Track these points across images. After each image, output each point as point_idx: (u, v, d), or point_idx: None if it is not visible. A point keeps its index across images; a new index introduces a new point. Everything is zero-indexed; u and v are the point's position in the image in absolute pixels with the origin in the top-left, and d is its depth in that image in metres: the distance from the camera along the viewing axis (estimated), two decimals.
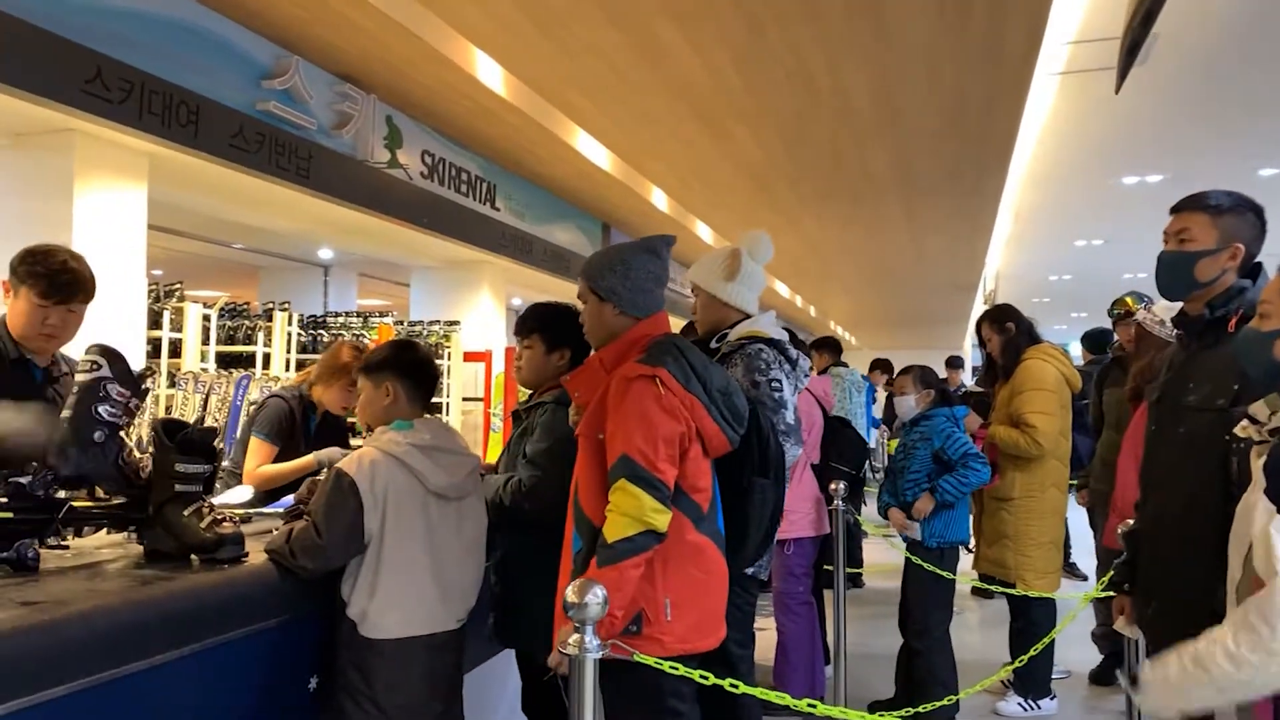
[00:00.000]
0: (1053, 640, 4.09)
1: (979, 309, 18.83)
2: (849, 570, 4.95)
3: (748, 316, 3.25)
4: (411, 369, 2.58)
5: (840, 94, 7.07)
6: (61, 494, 2.31)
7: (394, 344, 2.70)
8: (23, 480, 2.23)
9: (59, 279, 2.65)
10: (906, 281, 17.95)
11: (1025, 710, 4.43)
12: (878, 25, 5.84)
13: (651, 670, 2.13)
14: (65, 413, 2.33)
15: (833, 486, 4.22)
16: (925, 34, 5.97)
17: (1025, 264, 16.81)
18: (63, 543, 2.36)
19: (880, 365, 11.05)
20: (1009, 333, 4.54)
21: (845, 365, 8.33)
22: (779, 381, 3.01)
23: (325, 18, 5.72)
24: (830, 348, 7.81)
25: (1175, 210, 2.36)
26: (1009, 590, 4.30)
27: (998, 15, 5.64)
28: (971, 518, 4.60)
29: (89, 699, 1.82)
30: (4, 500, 2.18)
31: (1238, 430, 1.85)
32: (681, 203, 11.16)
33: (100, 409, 2.31)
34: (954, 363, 11.50)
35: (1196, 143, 8.81)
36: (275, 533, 2.44)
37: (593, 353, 2.47)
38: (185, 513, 2.34)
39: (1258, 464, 1.77)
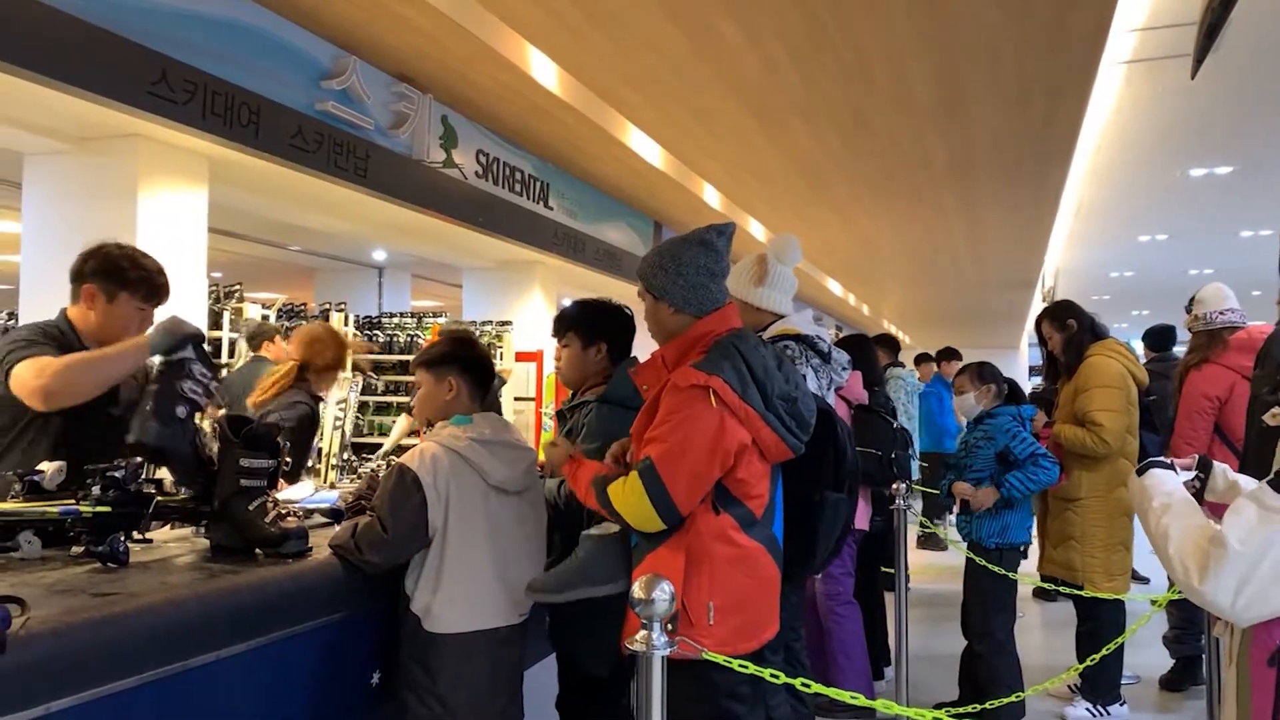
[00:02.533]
0: (1122, 644, 3.97)
1: (1037, 307, 18.47)
2: (888, 570, 4.85)
3: (781, 317, 3.27)
4: (473, 364, 2.57)
5: (899, 86, 6.96)
6: (150, 489, 2.34)
7: (454, 339, 2.68)
8: (117, 474, 2.26)
9: (157, 281, 2.74)
10: (963, 278, 17.66)
11: (1094, 716, 4.31)
12: (938, 13, 5.72)
13: (706, 667, 2.09)
14: (151, 386, 2.36)
15: (895, 486, 4.15)
16: (988, 22, 5.84)
17: (1086, 260, 16.44)
18: (146, 537, 2.40)
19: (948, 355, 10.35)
20: (1070, 330, 4.42)
21: (902, 365, 8.17)
22: (804, 376, 2.99)
23: (382, 17, 5.76)
24: (886, 346, 7.61)
25: None
26: (1077, 592, 4.19)
27: (1064, 1, 5.50)
28: (1035, 519, 4.49)
29: (158, 690, 1.84)
30: (101, 494, 2.21)
31: (1266, 418, 1.77)
32: (734, 199, 11.08)
33: (184, 385, 2.33)
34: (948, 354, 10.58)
35: (1269, 132, 8.53)
36: (339, 528, 2.44)
37: (656, 348, 2.42)
38: (250, 507, 2.35)
39: None
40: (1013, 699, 3.30)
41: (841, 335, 6.63)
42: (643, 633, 1.86)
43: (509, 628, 2.44)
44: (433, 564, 2.35)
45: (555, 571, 2.41)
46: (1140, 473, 1.77)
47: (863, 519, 4.24)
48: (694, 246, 2.36)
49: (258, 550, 2.37)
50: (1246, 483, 1.82)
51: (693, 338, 2.30)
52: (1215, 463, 1.81)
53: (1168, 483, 1.74)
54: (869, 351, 4.76)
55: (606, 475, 2.23)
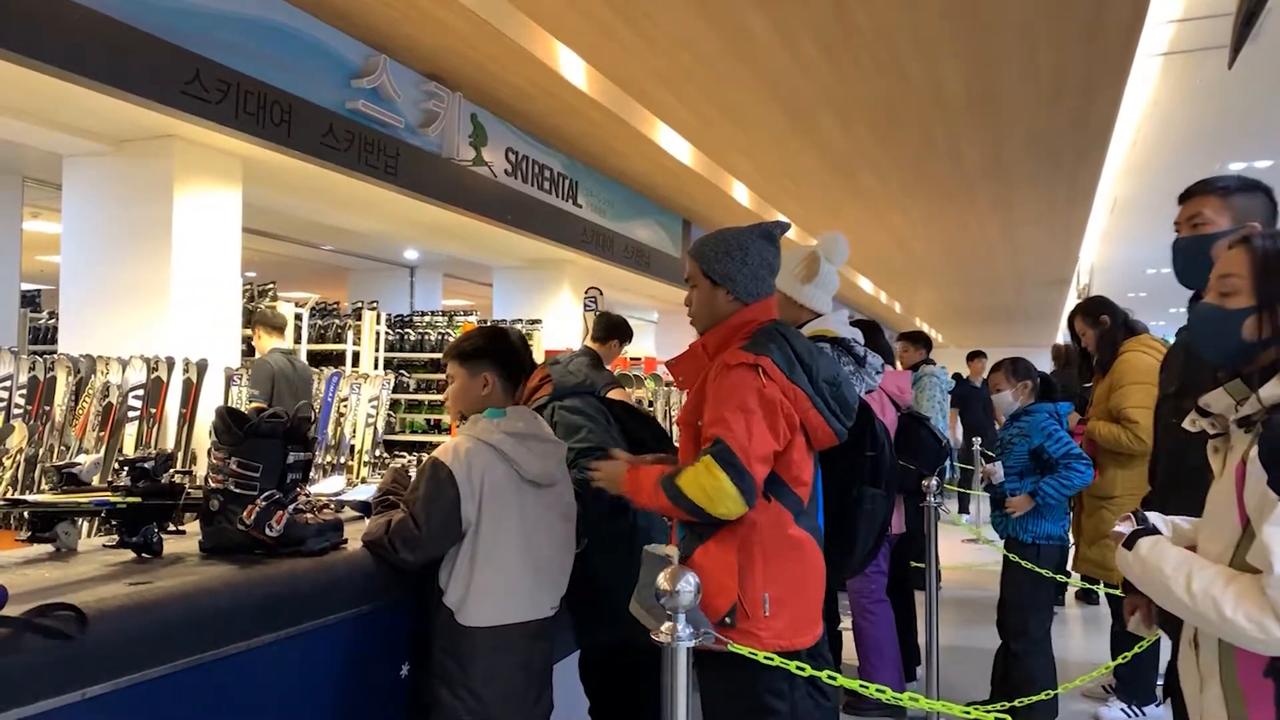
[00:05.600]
0: (1158, 642, 3.91)
1: (1072, 304, 18.23)
2: (919, 566, 4.81)
3: (818, 316, 3.27)
4: (508, 358, 2.55)
5: (931, 80, 6.90)
6: (181, 479, 2.36)
7: (489, 332, 2.64)
8: (147, 465, 2.29)
9: None
10: (996, 276, 17.49)
11: (1129, 716, 4.25)
12: (971, 6, 5.67)
13: (747, 665, 2.08)
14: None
15: (925, 483, 4.11)
16: (1021, 14, 5.78)
17: (1121, 257, 16.21)
18: (180, 528, 2.42)
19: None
20: (1103, 325, 4.36)
21: (933, 363, 8.08)
22: None
23: (413, 16, 5.81)
24: (920, 343, 7.54)
25: (1183, 198, 2.32)
26: (1113, 591, 4.13)
27: None
28: (1070, 517, 4.44)
29: (191, 678, 1.86)
30: (132, 485, 2.24)
31: (1186, 424, 1.70)
32: (764, 197, 11.05)
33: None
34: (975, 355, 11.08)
35: None
36: (372, 524, 2.44)
37: (697, 338, 2.43)
38: (244, 516, 2.31)
39: (1215, 458, 1.65)
40: (1042, 697, 3.26)
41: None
42: (667, 624, 1.85)
43: (540, 621, 2.44)
44: (466, 557, 2.34)
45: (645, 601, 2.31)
46: (1128, 546, 1.65)
47: (898, 522, 4.21)
48: (758, 239, 2.39)
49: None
50: (1182, 521, 1.76)
51: (736, 325, 2.32)
52: (1149, 515, 1.75)
53: (1163, 545, 1.63)
54: (878, 342, 4.65)
55: (671, 471, 2.20)
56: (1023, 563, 3.91)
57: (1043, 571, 3.91)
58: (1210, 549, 1.61)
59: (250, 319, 6.41)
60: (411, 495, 2.36)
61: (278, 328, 6.07)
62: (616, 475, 2.40)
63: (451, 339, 9.34)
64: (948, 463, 7.62)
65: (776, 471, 2.20)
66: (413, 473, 2.83)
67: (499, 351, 2.55)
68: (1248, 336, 1.57)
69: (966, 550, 8.33)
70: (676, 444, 2.60)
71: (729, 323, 2.33)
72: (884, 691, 1.97)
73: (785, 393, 2.18)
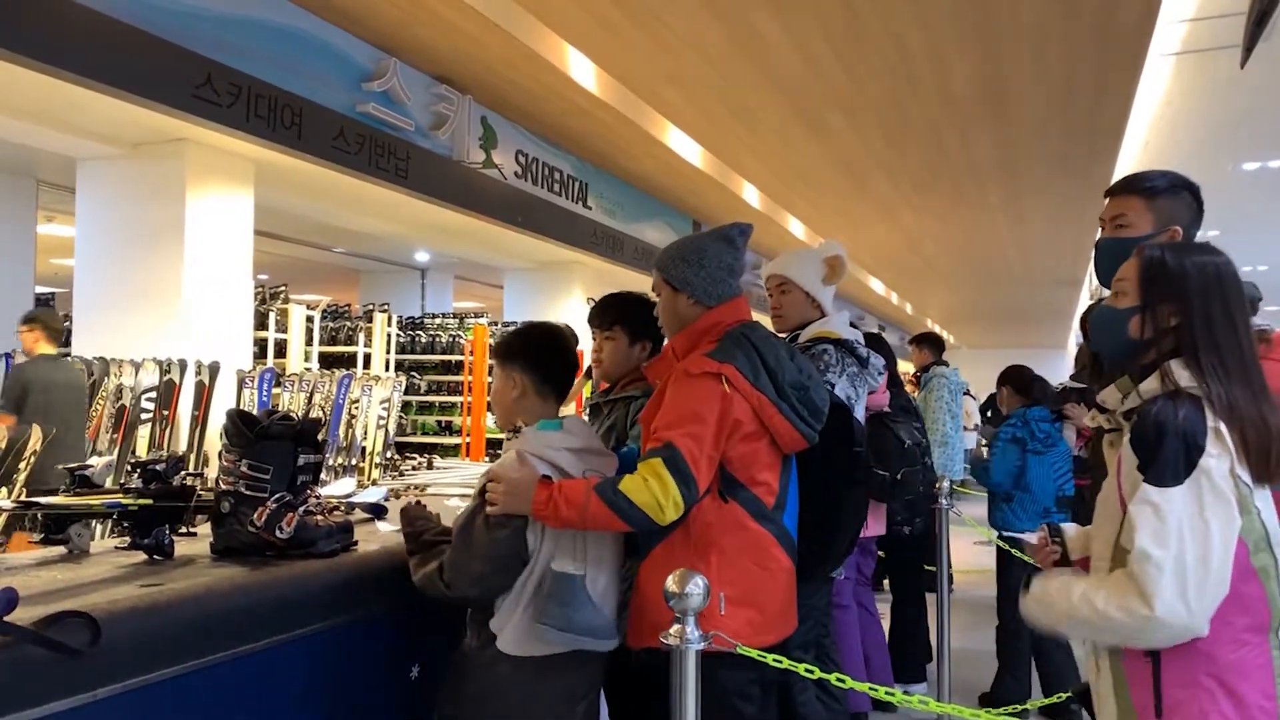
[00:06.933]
0: None
1: (1084, 306, 18.16)
2: (930, 569, 4.84)
3: (824, 316, 3.29)
4: (543, 359, 2.37)
5: (942, 80, 6.89)
6: (193, 482, 2.36)
7: (525, 332, 2.48)
8: (158, 467, 2.29)
9: None
10: (1008, 276, 17.43)
11: None
12: (981, 4, 5.66)
13: (717, 663, 2.06)
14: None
15: (937, 485, 4.10)
16: (1032, 14, 5.77)
17: None
18: (191, 529, 2.43)
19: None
20: None
21: (946, 364, 8.04)
22: (831, 385, 2.98)
23: (423, 18, 5.82)
24: (931, 344, 7.50)
25: (1109, 194, 2.29)
26: None
27: None
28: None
29: (201, 679, 1.86)
30: (144, 487, 2.25)
31: (1087, 420, 1.83)
32: (774, 198, 11.04)
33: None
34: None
35: None
36: (421, 562, 2.26)
37: (665, 341, 2.42)
38: (255, 518, 2.29)
39: (1110, 452, 1.73)
40: (1054, 700, 3.25)
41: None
42: (676, 627, 1.85)
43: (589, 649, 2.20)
44: (520, 582, 2.16)
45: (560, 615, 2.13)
46: (1026, 586, 1.75)
47: (875, 525, 4.12)
48: (717, 241, 2.38)
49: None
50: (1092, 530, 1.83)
51: (702, 328, 2.31)
52: (1062, 525, 1.86)
53: (1049, 578, 1.73)
54: (883, 349, 4.62)
55: (604, 480, 2.10)
56: (1011, 550, 4.18)
57: (1027, 562, 3.97)
58: (1098, 538, 1.71)
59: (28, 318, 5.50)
60: (467, 523, 2.16)
61: (56, 334, 5.46)
62: (524, 487, 2.10)
63: (462, 341, 9.38)
64: (958, 465, 7.52)
65: (733, 473, 2.18)
66: (418, 480, 2.79)
67: (531, 349, 2.38)
68: (1132, 335, 1.70)
69: (978, 552, 8.30)
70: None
71: (695, 326, 2.32)
72: (893, 693, 1.96)
73: (749, 399, 2.17)
